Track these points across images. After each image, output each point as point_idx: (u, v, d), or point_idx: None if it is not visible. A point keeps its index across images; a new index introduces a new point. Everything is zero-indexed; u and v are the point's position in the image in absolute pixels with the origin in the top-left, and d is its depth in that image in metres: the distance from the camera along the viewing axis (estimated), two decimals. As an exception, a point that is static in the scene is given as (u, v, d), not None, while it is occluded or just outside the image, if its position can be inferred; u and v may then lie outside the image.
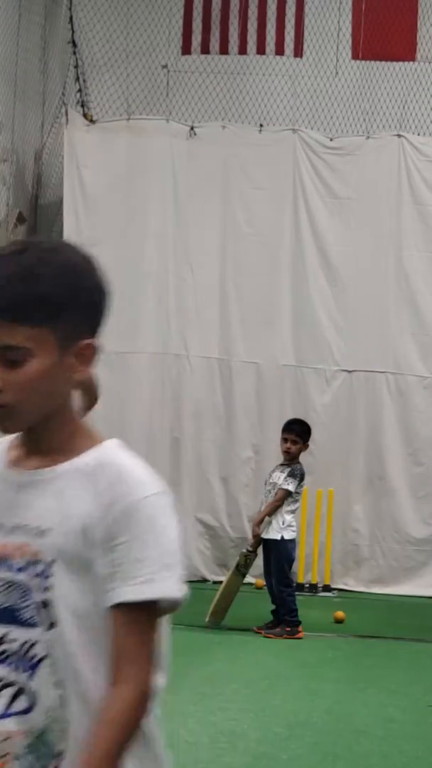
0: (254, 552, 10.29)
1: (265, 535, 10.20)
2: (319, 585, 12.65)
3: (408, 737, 7.14)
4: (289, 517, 10.21)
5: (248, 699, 7.94)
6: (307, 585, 12.58)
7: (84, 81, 13.34)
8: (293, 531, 10.27)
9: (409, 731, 7.29)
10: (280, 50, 13.33)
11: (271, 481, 10.46)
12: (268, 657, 9.39)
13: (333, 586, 12.71)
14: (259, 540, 10.24)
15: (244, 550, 10.38)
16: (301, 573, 12.14)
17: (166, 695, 2.41)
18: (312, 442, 12.61)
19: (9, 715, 2.39)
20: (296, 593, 12.21)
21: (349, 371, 12.98)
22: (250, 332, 13.01)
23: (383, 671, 9.13)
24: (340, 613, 11.02)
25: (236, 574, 10.33)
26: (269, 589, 10.35)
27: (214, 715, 7.43)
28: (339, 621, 10.92)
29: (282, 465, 10.53)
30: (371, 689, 8.43)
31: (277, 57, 13.36)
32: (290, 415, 12.45)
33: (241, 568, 10.34)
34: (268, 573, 10.35)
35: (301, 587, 12.32)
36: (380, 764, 6.53)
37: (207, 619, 10.11)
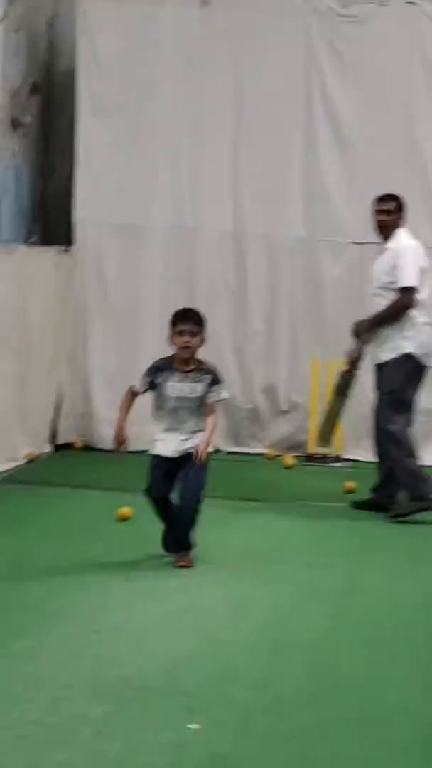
0: (351, 372, 9.13)
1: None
2: (330, 455, 12.61)
3: (415, 607, 7.46)
4: None
5: (261, 569, 8.24)
6: (319, 456, 12.61)
7: None
8: None
9: (417, 602, 7.61)
10: None
11: (183, 394, 8.21)
12: (279, 529, 9.63)
13: (344, 456, 12.73)
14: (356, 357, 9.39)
15: (341, 371, 9.35)
16: (312, 444, 12.26)
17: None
18: (323, 314, 12.77)
19: None
20: (307, 464, 12.40)
21: (360, 243, 12.82)
22: (261, 205, 13.00)
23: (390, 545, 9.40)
24: (350, 484, 11.10)
25: (338, 395, 9.63)
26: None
27: (225, 585, 7.72)
28: (349, 491, 11.01)
29: (186, 372, 8.26)
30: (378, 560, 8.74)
31: None
32: (301, 289, 12.60)
33: (343, 389, 9.64)
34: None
35: (312, 458, 12.51)
36: (391, 637, 6.81)
37: (317, 443, 9.38)
